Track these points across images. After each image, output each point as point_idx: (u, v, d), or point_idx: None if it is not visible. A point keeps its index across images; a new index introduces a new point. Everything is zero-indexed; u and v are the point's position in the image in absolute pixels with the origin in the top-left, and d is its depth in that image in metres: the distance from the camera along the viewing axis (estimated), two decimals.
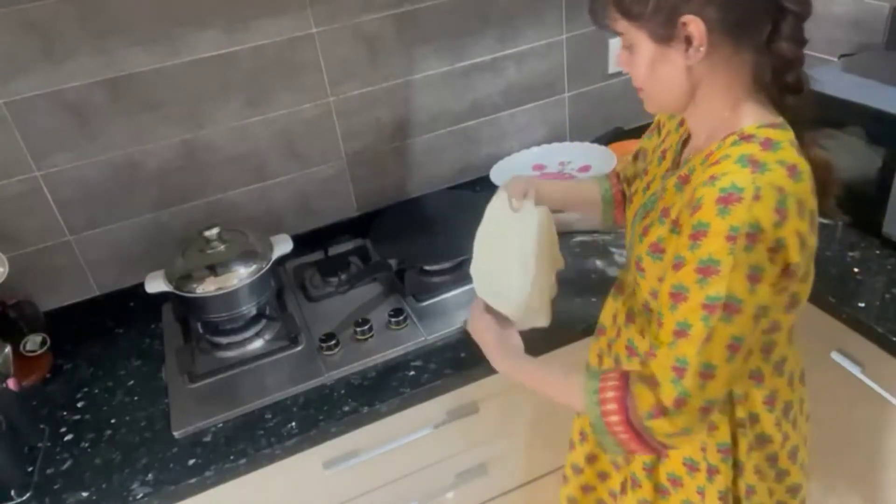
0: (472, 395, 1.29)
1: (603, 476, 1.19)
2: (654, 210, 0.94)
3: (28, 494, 1.12)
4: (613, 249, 1.46)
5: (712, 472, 1.01)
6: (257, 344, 1.37)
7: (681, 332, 0.79)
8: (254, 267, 1.33)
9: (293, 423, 1.17)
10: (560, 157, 1.76)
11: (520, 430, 1.41)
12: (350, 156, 1.63)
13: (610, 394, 0.85)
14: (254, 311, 1.37)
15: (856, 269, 1.33)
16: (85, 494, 1.10)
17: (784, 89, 0.83)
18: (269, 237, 1.42)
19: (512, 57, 1.69)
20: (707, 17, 0.77)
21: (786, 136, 0.82)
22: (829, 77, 1.47)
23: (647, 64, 0.84)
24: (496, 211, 1.11)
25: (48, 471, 1.16)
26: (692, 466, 1.02)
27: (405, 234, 1.57)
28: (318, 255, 1.60)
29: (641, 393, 0.82)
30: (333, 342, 1.30)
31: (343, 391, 1.23)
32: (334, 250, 1.61)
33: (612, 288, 1.15)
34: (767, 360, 0.95)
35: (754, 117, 0.83)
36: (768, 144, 0.79)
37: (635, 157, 1.16)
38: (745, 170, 0.76)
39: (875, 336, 1.21)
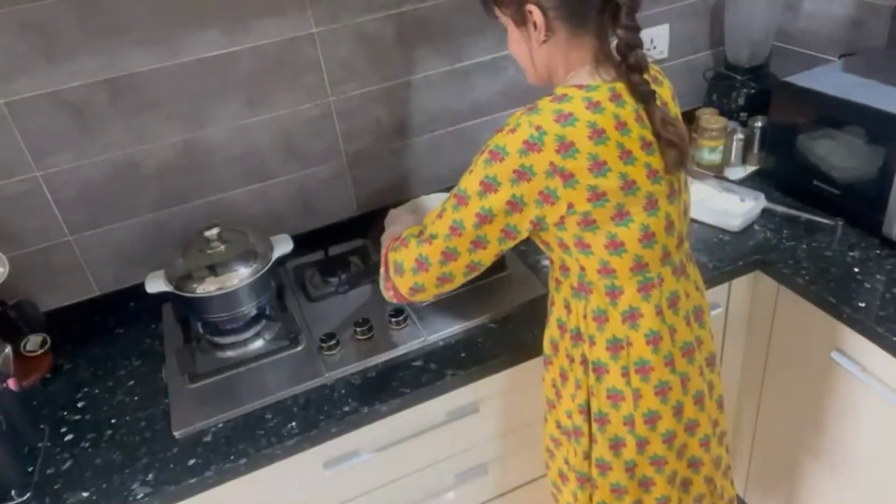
0: (472, 395, 1.29)
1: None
2: None
3: (28, 494, 1.12)
4: None
5: (577, 433, 1.10)
6: (257, 344, 1.37)
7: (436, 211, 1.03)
8: (254, 267, 1.33)
9: (293, 423, 1.17)
10: None
11: (520, 430, 1.41)
12: (350, 156, 1.63)
13: (390, 239, 1.13)
14: (254, 311, 1.37)
15: (856, 269, 1.33)
16: (85, 494, 1.10)
17: (629, 69, 0.95)
18: (269, 237, 1.42)
19: (512, 57, 1.68)
20: (545, 6, 0.93)
21: (585, 94, 0.93)
22: (830, 77, 1.47)
23: (514, 43, 1.03)
24: None
25: (48, 471, 1.16)
26: (565, 431, 1.14)
27: None
28: (318, 255, 1.60)
29: (406, 237, 1.08)
30: (334, 342, 1.30)
31: (343, 391, 1.23)
32: (334, 250, 1.61)
33: None
34: (614, 305, 1.02)
35: (571, 82, 0.97)
36: (558, 98, 0.94)
37: None
38: (519, 111, 0.95)
39: (875, 336, 1.21)
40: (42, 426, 1.25)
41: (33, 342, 1.38)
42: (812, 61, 1.74)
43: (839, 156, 1.44)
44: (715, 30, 1.88)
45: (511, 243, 1.00)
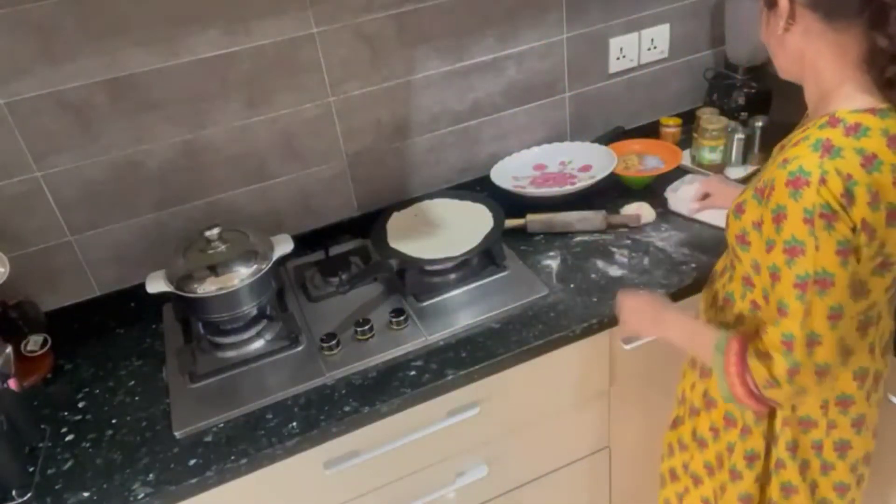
0: (472, 395, 1.29)
1: (696, 480, 1.20)
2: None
3: (29, 495, 1.12)
4: (614, 249, 1.46)
5: (745, 430, 1.05)
6: (258, 344, 1.37)
7: (782, 310, 0.85)
8: (254, 267, 1.33)
9: (294, 423, 1.17)
10: (560, 157, 1.76)
11: (520, 429, 1.41)
12: (350, 156, 1.63)
13: (732, 369, 0.93)
14: (254, 312, 1.37)
15: None
16: (86, 494, 1.10)
17: (887, 84, 0.81)
18: (269, 237, 1.42)
19: (512, 57, 1.69)
20: None
21: (883, 123, 0.81)
22: None
23: (763, 25, 0.90)
24: None
25: (49, 471, 1.16)
26: (730, 420, 1.07)
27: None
28: (318, 255, 1.60)
29: (756, 368, 0.90)
30: (334, 342, 1.30)
31: (344, 391, 1.23)
32: (335, 250, 1.61)
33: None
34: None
35: (852, 101, 0.83)
36: (853, 129, 0.80)
37: None
38: (815, 154, 0.79)
39: None
40: (43, 426, 1.25)
41: (34, 342, 1.38)
42: None
43: None
44: (715, 30, 1.88)
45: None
